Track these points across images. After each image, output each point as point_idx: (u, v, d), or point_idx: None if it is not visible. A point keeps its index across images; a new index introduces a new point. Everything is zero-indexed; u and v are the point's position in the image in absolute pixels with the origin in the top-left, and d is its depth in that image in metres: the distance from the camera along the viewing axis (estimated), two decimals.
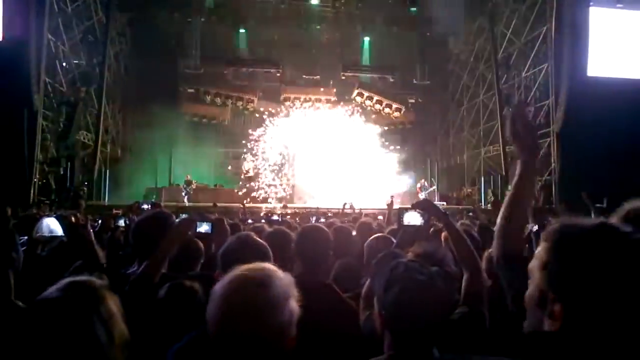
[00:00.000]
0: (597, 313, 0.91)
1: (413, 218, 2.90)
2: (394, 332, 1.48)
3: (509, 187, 1.59)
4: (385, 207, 7.12)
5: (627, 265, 0.91)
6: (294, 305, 1.19)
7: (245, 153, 19.62)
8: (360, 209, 10.46)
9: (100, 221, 5.19)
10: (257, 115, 21.68)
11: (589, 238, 0.96)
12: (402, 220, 2.91)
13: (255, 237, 2.26)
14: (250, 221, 6.57)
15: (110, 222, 4.47)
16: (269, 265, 1.26)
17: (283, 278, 1.21)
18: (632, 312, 0.90)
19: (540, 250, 1.03)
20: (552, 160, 15.96)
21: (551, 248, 1.00)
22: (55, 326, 1.14)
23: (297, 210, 12.56)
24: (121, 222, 4.05)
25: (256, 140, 19.46)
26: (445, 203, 18.11)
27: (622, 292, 0.90)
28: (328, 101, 20.31)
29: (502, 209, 1.54)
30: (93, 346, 1.15)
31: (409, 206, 2.85)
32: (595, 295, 0.91)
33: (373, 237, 3.09)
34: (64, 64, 15.88)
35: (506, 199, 1.54)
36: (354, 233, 4.17)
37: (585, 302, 0.92)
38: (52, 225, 3.11)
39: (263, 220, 7.21)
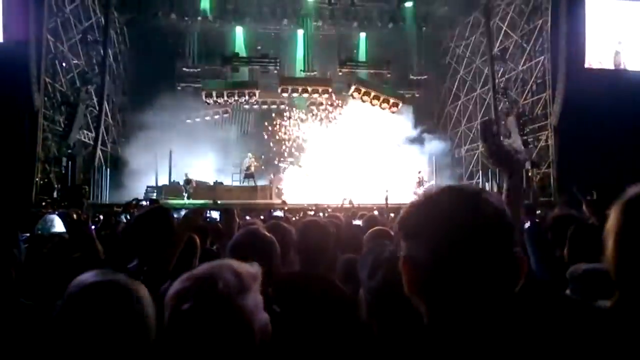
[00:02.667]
0: None
1: None
2: (379, 317, 1.48)
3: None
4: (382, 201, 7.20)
5: None
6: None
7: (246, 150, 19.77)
8: (359, 204, 10.55)
9: (101, 217, 5.29)
10: (256, 112, 21.83)
11: None
12: None
13: (263, 230, 2.33)
14: (247, 217, 6.67)
15: (112, 219, 4.57)
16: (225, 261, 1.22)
17: (237, 271, 1.16)
18: None
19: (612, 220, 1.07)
20: (550, 153, 16.04)
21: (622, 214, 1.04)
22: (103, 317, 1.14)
23: (297, 206, 12.67)
24: (122, 219, 4.16)
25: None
26: None
27: None
28: (325, 92, 20.39)
29: None
30: (134, 339, 1.16)
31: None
32: None
33: (372, 229, 3.14)
34: (64, 64, 15.98)
35: None
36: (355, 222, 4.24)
37: None
38: (54, 222, 3.20)
39: (262, 217, 7.32)
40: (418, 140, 20.04)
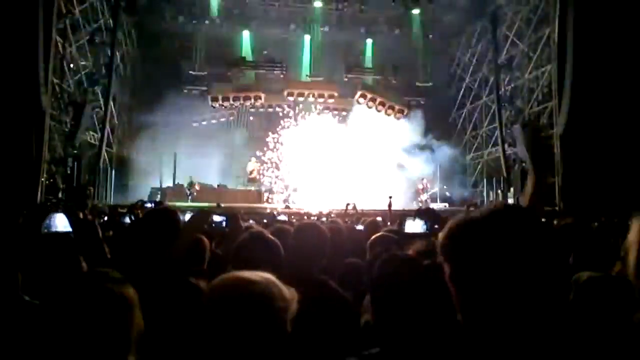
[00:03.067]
0: None
1: (415, 226, 2.91)
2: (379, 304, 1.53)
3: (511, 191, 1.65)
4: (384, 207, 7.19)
5: None
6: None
7: (250, 155, 19.83)
8: (362, 210, 10.54)
9: (105, 218, 5.30)
10: (261, 116, 21.87)
11: None
12: (404, 228, 2.93)
13: (267, 234, 2.33)
14: (251, 221, 6.68)
15: (116, 220, 4.58)
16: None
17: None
18: None
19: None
20: (555, 162, 15.96)
21: None
22: (80, 311, 1.17)
23: (301, 211, 12.68)
24: (126, 220, 4.17)
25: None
26: (447, 205, 18.16)
27: None
28: (331, 97, 20.45)
29: None
30: (113, 332, 1.18)
31: (411, 212, 2.84)
32: None
33: (375, 235, 3.16)
34: (72, 65, 16.08)
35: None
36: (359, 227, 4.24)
37: None
38: (60, 221, 3.22)
39: (265, 220, 7.33)
40: (422, 147, 20.03)
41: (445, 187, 19.64)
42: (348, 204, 9.87)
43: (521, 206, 1.04)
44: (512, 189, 16.62)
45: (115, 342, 1.18)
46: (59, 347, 1.14)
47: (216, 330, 1.12)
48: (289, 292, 1.21)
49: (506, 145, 17.70)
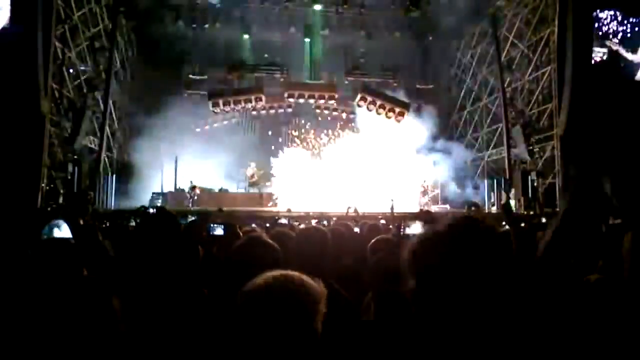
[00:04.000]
0: None
1: (414, 229, 2.92)
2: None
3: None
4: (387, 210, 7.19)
5: None
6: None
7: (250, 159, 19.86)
8: (364, 213, 10.53)
9: (107, 224, 5.29)
10: (263, 119, 21.89)
11: None
12: (403, 231, 2.94)
13: (265, 237, 2.34)
14: (254, 225, 6.67)
15: (121, 223, 4.57)
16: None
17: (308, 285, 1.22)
18: None
19: None
20: (556, 163, 15.97)
21: None
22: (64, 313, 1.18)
23: (303, 214, 12.64)
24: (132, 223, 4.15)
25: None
26: (448, 206, 18.14)
27: None
28: (331, 98, 20.46)
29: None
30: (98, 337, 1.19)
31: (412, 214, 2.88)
32: None
33: (375, 239, 3.18)
34: (71, 70, 16.09)
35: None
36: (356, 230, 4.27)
37: None
38: (60, 227, 3.19)
39: (267, 224, 7.31)
40: (423, 150, 20.01)
41: (457, 188, 19.59)
42: (349, 208, 9.87)
43: (477, 219, 1.08)
44: (513, 190, 16.60)
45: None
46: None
47: (261, 327, 1.12)
48: (320, 289, 1.23)
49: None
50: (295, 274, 1.23)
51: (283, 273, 1.23)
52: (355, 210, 10.73)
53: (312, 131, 21.15)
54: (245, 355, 1.13)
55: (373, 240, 3.14)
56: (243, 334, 1.14)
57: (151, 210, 5.62)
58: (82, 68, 16.68)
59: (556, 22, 15.41)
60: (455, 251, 0.98)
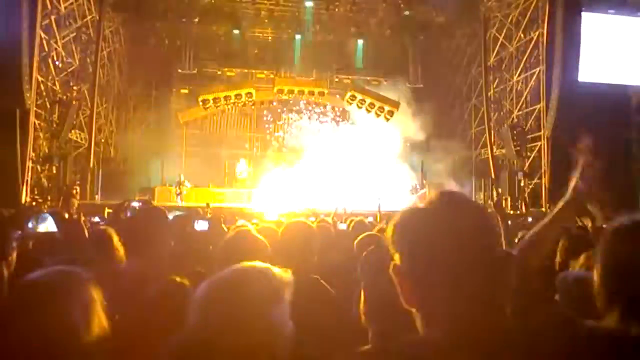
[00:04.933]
0: None
1: None
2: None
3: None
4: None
5: None
6: (281, 309, 1.11)
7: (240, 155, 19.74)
8: (352, 211, 10.53)
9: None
10: (253, 115, 21.79)
11: None
12: None
13: (253, 232, 2.33)
14: (242, 221, 6.62)
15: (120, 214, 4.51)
16: (258, 264, 1.19)
17: (271, 277, 1.14)
18: None
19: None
20: (543, 164, 16.14)
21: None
22: (35, 305, 1.16)
23: (291, 211, 12.60)
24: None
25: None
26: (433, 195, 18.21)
27: None
28: (321, 94, 20.44)
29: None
30: (68, 328, 1.17)
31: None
32: None
33: (363, 235, 3.20)
34: (57, 62, 15.83)
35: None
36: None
37: None
38: (46, 221, 3.14)
39: (255, 220, 7.26)
40: (412, 148, 20.09)
41: (446, 187, 19.67)
42: (337, 208, 9.88)
43: (462, 193, 1.10)
44: (499, 190, 16.74)
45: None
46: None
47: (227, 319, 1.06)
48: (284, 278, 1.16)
49: (495, 147, 17.82)
50: (260, 264, 1.18)
51: (248, 264, 1.18)
52: (343, 209, 10.74)
53: (301, 127, 21.10)
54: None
55: (360, 237, 3.17)
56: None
57: (135, 204, 5.54)
58: (69, 60, 16.43)
59: (545, 24, 15.58)
60: (438, 222, 0.96)
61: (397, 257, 0.98)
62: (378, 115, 20.01)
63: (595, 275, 1.15)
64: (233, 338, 1.02)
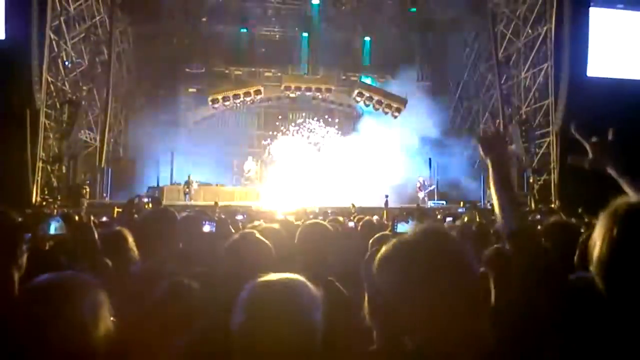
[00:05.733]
0: None
1: (407, 228, 2.92)
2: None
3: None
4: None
5: None
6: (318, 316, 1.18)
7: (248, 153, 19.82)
8: (360, 207, 10.57)
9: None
10: (261, 114, 21.85)
11: None
12: (396, 228, 2.94)
13: (257, 235, 2.35)
14: (240, 217, 6.65)
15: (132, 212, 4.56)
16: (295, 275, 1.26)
17: (310, 287, 1.22)
18: None
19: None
20: (552, 160, 16.02)
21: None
22: (43, 307, 1.19)
23: (299, 210, 12.64)
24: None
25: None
26: (445, 202, 18.16)
27: None
28: (328, 91, 20.45)
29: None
30: (78, 328, 1.20)
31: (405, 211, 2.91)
32: None
33: (377, 235, 3.19)
34: (67, 63, 15.96)
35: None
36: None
37: None
38: (57, 224, 3.19)
39: (258, 222, 7.28)
40: (420, 145, 20.02)
41: (442, 184, 19.62)
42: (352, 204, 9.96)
43: (442, 230, 1.18)
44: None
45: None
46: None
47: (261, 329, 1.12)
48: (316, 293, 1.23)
49: None
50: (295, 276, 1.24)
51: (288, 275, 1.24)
52: (353, 205, 10.78)
53: (309, 125, 21.12)
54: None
55: (375, 237, 3.16)
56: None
57: (145, 200, 5.61)
58: (78, 61, 16.55)
59: (553, 19, 15.44)
60: (415, 267, 1.03)
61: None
62: (386, 113, 19.96)
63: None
64: (279, 339, 1.09)
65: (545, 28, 16.11)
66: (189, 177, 17.38)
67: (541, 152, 16.59)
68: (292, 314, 1.12)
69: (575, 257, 2.70)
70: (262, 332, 1.10)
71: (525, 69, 17.50)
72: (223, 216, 5.69)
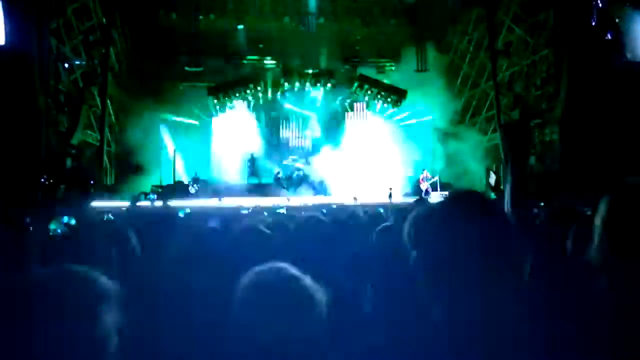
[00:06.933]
0: None
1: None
2: None
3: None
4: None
5: None
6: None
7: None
8: (364, 201, 10.59)
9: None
10: (262, 109, 21.85)
11: None
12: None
13: (261, 227, 2.38)
14: (246, 211, 6.70)
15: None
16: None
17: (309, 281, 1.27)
18: None
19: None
20: (554, 148, 15.94)
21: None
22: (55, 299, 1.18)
23: (302, 204, 12.67)
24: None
25: None
26: (447, 193, 18.19)
27: None
28: (327, 82, 20.46)
29: None
30: (88, 322, 1.19)
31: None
32: None
33: (382, 225, 3.20)
34: (66, 65, 15.98)
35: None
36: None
37: None
38: (66, 221, 3.23)
39: (265, 213, 7.33)
40: (423, 136, 20.01)
41: (445, 175, 19.61)
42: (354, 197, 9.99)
43: (476, 192, 1.20)
44: (496, 173, 16.68)
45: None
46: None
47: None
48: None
49: None
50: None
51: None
52: (355, 199, 10.79)
53: (311, 119, 21.16)
54: None
55: (380, 227, 3.18)
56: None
57: (151, 196, 5.64)
58: (78, 62, 16.57)
59: (554, 4, 15.32)
60: (450, 220, 1.05)
61: (413, 252, 1.11)
62: (385, 105, 19.92)
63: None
64: (280, 328, 1.13)
65: (545, 14, 16.00)
66: (195, 174, 17.44)
67: (544, 139, 16.52)
68: (287, 302, 1.16)
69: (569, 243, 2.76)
70: (258, 320, 1.13)
71: (527, 57, 17.41)
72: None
